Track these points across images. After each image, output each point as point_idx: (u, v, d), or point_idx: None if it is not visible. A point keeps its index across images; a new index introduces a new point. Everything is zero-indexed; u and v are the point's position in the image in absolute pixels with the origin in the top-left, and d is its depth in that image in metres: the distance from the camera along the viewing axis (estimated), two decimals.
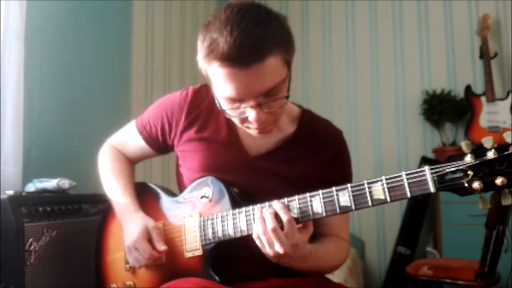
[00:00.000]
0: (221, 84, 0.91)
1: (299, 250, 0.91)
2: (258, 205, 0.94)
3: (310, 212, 0.90)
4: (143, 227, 1.06)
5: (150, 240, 1.05)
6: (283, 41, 0.92)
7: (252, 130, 0.99)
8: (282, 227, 0.89)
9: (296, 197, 0.91)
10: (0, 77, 1.59)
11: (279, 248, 0.88)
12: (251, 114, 0.93)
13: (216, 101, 0.98)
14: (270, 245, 0.89)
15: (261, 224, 0.90)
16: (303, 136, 1.10)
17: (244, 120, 0.96)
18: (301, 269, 1.00)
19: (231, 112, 0.96)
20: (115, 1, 2.38)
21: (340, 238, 1.10)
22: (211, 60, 0.89)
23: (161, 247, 1.04)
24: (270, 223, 0.89)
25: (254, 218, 0.94)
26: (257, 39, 0.86)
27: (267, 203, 0.93)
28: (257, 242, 0.92)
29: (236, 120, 0.99)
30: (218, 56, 0.87)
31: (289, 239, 0.88)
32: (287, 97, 0.96)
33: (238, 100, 0.92)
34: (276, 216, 0.90)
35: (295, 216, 0.91)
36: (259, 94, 0.91)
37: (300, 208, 0.91)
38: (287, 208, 0.91)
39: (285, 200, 0.93)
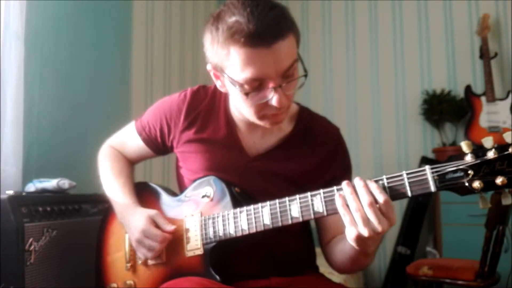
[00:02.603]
0: (243, 66, 0.90)
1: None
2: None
3: (311, 211, 0.89)
4: (146, 216, 1.07)
5: (157, 226, 1.06)
6: (294, 23, 0.96)
7: (266, 120, 0.99)
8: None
9: (297, 196, 0.91)
10: (0, 77, 1.59)
11: (377, 225, 0.79)
12: (273, 97, 0.93)
13: (236, 87, 0.94)
14: (364, 222, 0.80)
15: (355, 199, 0.81)
16: (301, 134, 1.11)
17: (262, 107, 0.96)
18: (371, 252, 0.92)
19: (251, 98, 0.95)
20: (115, 1, 2.38)
21: None
22: (233, 43, 0.89)
23: (170, 227, 1.05)
24: (366, 197, 0.80)
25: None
26: (277, 18, 0.90)
27: (335, 188, 0.87)
28: (346, 220, 0.82)
29: (251, 111, 0.98)
30: (243, 35, 0.87)
31: (386, 217, 0.81)
32: (306, 75, 0.96)
33: (259, 81, 0.92)
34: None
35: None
36: (281, 73, 0.92)
37: (301, 207, 0.90)
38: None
39: (287, 199, 0.92)
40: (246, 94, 0.94)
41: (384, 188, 0.82)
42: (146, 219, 1.06)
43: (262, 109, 0.97)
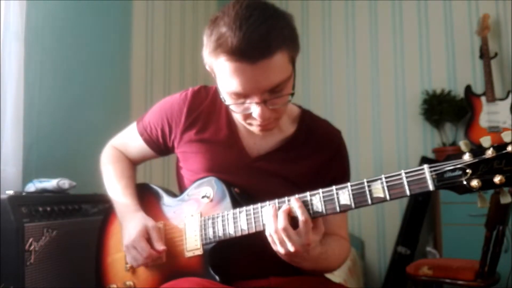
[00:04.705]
0: (227, 78, 0.90)
1: (311, 251, 0.91)
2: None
3: (311, 211, 0.89)
4: (142, 226, 1.06)
5: (149, 240, 1.05)
6: (289, 38, 0.92)
7: (254, 127, 0.99)
8: (295, 224, 0.89)
9: (297, 195, 0.91)
10: (0, 77, 1.60)
11: (290, 247, 0.88)
12: (255, 110, 0.93)
13: (221, 96, 0.98)
14: (281, 243, 0.89)
15: (274, 222, 0.90)
16: (302, 137, 1.11)
17: (248, 116, 0.96)
18: (309, 268, 1.00)
19: (235, 108, 0.96)
20: (115, 1, 2.38)
21: (341, 237, 1.10)
22: (219, 54, 0.89)
23: (160, 247, 1.04)
24: (282, 222, 0.88)
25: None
26: (265, 34, 0.87)
27: (286, 198, 0.92)
28: (269, 239, 0.91)
29: (239, 116, 0.99)
30: (227, 50, 0.87)
31: (301, 238, 0.88)
32: (292, 94, 0.96)
33: (243, 95, 0.92)
34: (290, 214, 0.90)
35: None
36: (265, 90, 0.91)
37: None
38: (305, 207, 0.89)
39: (286, 198, 0.92)
40: (228, 104, 0.95)
41: (307, 206, 0.89)
42: (140, 229, 1.06)
43: (248, 118, 0.97)
